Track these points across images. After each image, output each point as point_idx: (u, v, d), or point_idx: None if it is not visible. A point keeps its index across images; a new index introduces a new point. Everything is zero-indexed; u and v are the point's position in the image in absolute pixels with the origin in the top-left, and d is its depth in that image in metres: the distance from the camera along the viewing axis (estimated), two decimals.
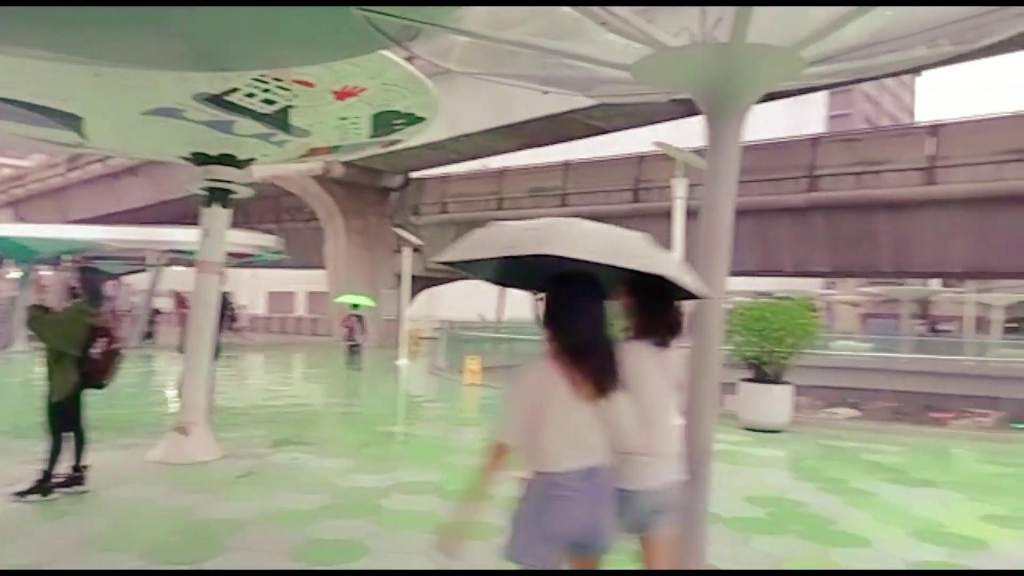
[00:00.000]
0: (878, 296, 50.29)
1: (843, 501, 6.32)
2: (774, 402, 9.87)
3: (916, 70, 24.80)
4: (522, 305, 44.51)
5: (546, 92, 6.71)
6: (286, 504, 5.66)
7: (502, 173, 28.51)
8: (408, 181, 30.51)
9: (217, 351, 8.23)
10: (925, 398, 23.08)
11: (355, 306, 18.71)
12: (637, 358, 2.68)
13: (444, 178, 30.22)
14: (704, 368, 3.64)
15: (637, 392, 2.61)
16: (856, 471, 7.67)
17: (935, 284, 53.19)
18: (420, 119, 7.15)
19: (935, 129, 20.05)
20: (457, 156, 26.94)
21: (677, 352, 2.90)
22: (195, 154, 7.41)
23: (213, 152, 7.35)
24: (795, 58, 3.27)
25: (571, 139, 24.19)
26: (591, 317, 2.58)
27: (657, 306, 2.78)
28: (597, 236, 2.51)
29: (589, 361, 2.53)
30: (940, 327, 52.08)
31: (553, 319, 2.60)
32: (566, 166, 26.74)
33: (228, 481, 6.37)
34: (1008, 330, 52.73)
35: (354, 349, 17.66)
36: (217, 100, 6.09)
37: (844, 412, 24.21)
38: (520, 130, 22.99)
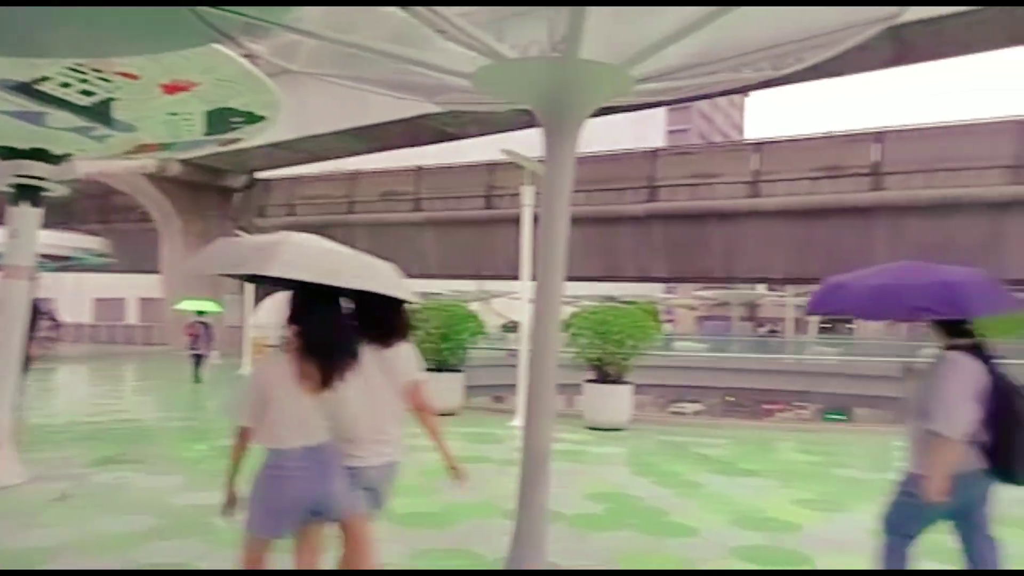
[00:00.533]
0: (712, 300, 54.01)
1: (675, 493, 6.71)
2: (616, 401, 10.33)
3: (743, 91, 26.80)
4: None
5: (399, 98, 6.67)
6: (107, 527, 5.23)
7: (354, 176, 27.97)
8: (254, 182, 29.21)
9: (26, 363, 7.47)
10: (754, 394, 25.10)
11: (200, 312, 17.60)
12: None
13: (293, 179, 29.21)
14: (541, 370, 3.74)
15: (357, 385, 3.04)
16: (688, 464, 8.18)
17: (761, 288, 57.89)
18: (260, 118, 6.85)
19: (759, 146, 21.87)
20: (307, 157, 26.13)
21: (403, 350, 3.29)
22: (1, 147, 6.70)
23: (22, 146, 6.67)
24: (625, 75, 3.45)
25: (425, 143, 24.16)
26: (325, 320, 2.95)
27: (378, 312, 3.16)
28: (316, 257, 2.85)
29: (317, 359, 2.88)
30: (771, 328, 56.58)
31: (293, 319, 2.96)
32: (419, 170, 26.67)
33: (38, 506, 5.79)
34: (822, 330, 58.28)
35: (198, 359, 16.61)
36: (25, 89, 5.53)
37: (691, 407, 25.84)
38: (373, 132, 22.67)
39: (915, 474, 3.39)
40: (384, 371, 3.20)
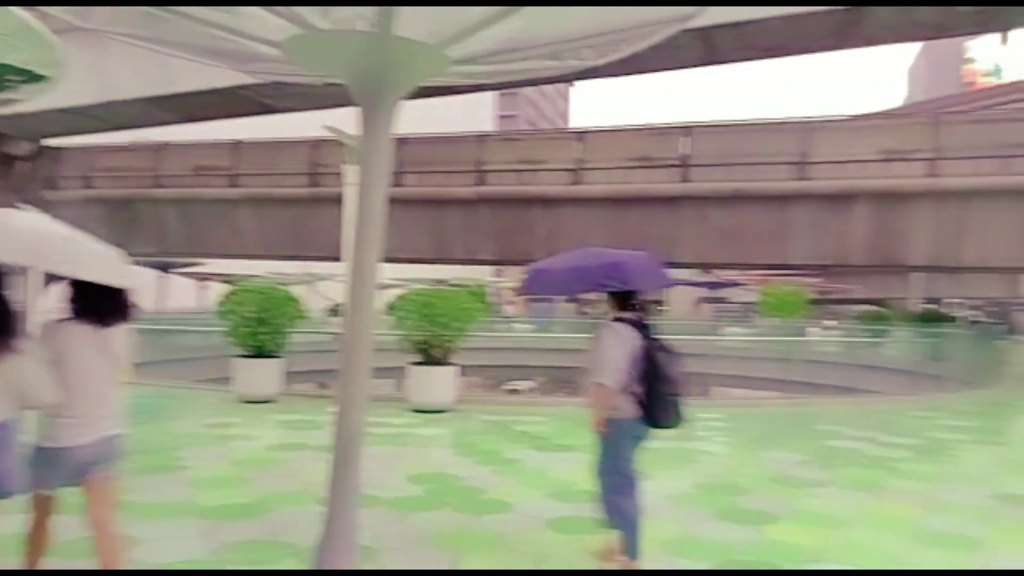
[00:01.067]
0: None
1: (494, 471, 6.88)
2: (441, 383, 10.39)
3: (566, 80, 27.71)
4: (190, 295, 40.73)
5: (207, 64, 6.19)
6: None
7: (162, 147, 25.83)
8: (42, 150, 26.15)
9: None
10: (578, 372, 26.28)
11: None
12: (71, 336, 3.27)
13: (90, 149, 26.47)
14: (355, 352, 3.66)
15: (68, 364, 3.19)
16: (509, 442, 8.41)
17: None
18: (41, 77, 6.11)
19: (582, 135, 22.76)
20: (106, 124, 23.80)
21: (119, 330, 3.42)
22: None
23: None
24: (440, 56, 3.43)
25: (241, 116, 22.81)
26: None
27: (94, 295, 3.29)
28: (24, 239, 2.84)
29: None
30: (581, 309, 59.40)
31: None
32: (237, 145, 25.13)
33: None
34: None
35: None
36: None
37: (524, 385, 26.55)
38: (182, 102, 21.05)
39: (606, 420, 4.21)
40: (100, 351, 3.34)
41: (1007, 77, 64.98)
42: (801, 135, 20.23)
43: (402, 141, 23.02)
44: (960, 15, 17.20)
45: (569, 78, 33.01)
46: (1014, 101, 37.34)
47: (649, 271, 4.32)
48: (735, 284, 49.68)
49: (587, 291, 4.41)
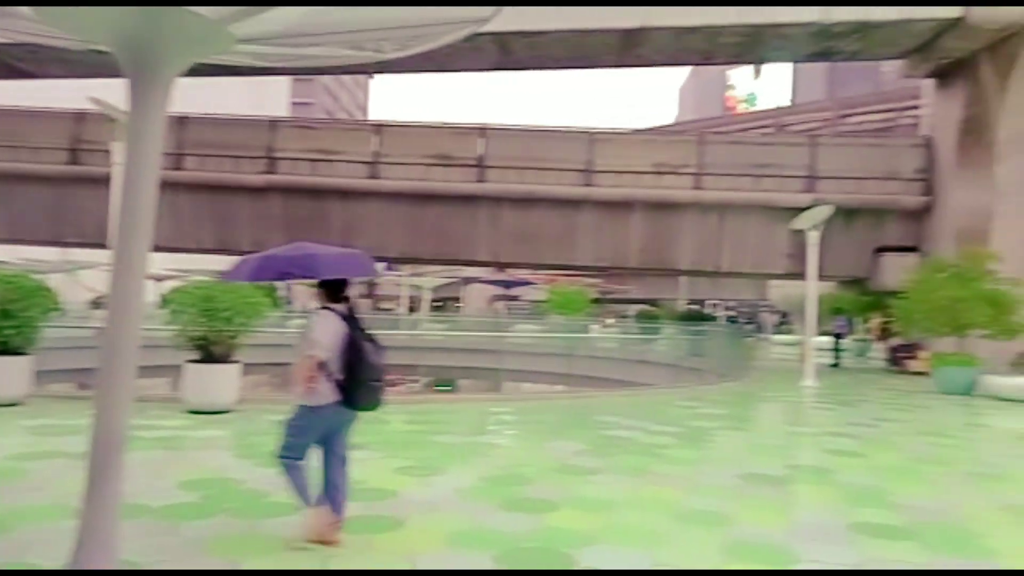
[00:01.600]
0: None
1: (279, 473, 6.56)
2: (221, 383, 9.76)
3: (367, 71, 27.25)
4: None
5: None
6: None
7: None
8: None
9: None
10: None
11: None
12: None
13: None
14: (118, 349, 3.32)
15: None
16: None
17: (379, 267, 59.96)
18: None
19: (380, 128, 22.50)
20: None
21: None
22: None
23: None
24: (223, 32, 3.20)
25: None
26: None
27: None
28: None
29: None
30: (379, 306, 58.93)
31: None
32: None
33: None
34: (434, 308, 62.63)
35: None
36: None
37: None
38: None
39: (299, 405, 4.59)
40: None
41: (760, 105, 73.92)
42: (586, 144, 21.54)
43: (182, 120, 21.33)
44: (722, 46, 19.29)
45: (369, 70, 32.48)
46: (764, 127, 42.56)
47: (345, 265, 4.72)
48: (527, 283, 51.86)
49: (274, 278, 4.76)
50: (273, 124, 22.31)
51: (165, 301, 11.13)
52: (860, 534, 5.22)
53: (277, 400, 12.28)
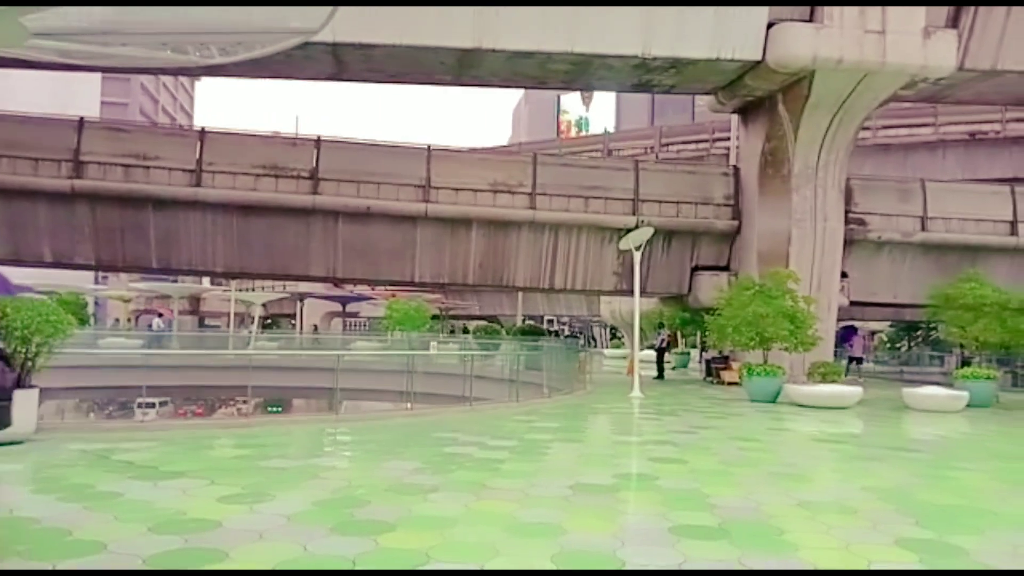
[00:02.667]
0: (151, 292, 50.39)
1: (85, 507, 5.98)
2: (15, 409, 8.70)
3: (191, 73, 25.61)
4: None
5: None
6: None
7: None
8: None
9: None
10: (195, 391, 24.19)
11: None
12: None
13: None
14: None
15: None
16: (104, 473, 7.39)
17: (206, 282, 56.51)
18: None
19: (203, 135, 21.23)
20: None
21: None
22: None
23: None
24: (14, 23, 2.89)
25: None
26: None
27: None
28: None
29: None
30: (210, 323, 55.48)
31: None
32: None
33: None
34: (265, 325, 59.80)
35: None
36: None
37: (156, 408, 23.45)
38: None
39: None
40: None
41: (592, 130, 77.75)
42: (424, 161, 21.58)
43: None
44: (553, 72, 20.13)
45: (195, 72, 30.71)
46: (593, 151, 44.80)
47: None
48: (365, 298, 50.88)
49: None
50: (80, 124, 20.32)
51: None
52: (680, 536, 5.57)
53: (83, 428, 11.19)
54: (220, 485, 6.95)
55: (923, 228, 23.38)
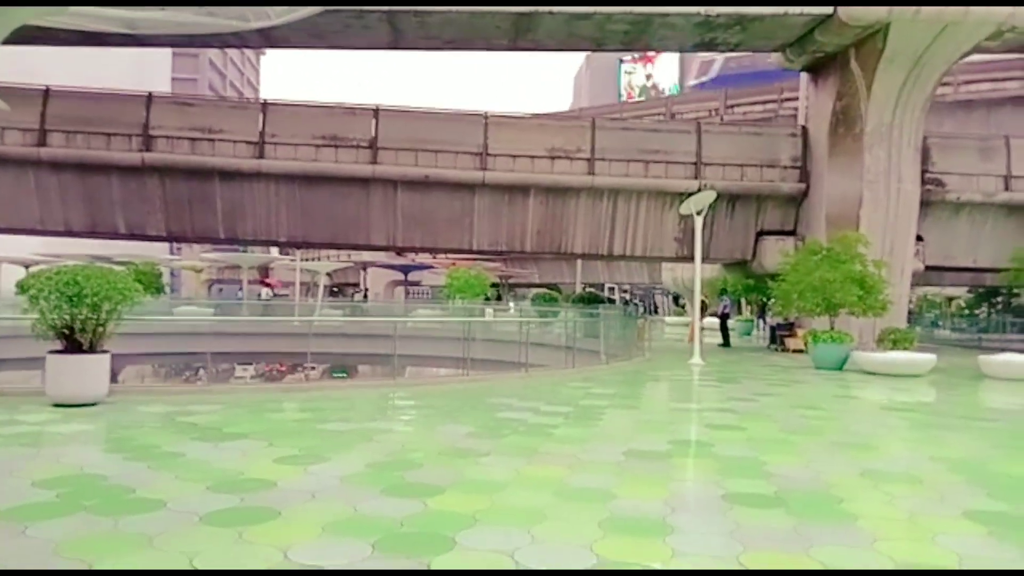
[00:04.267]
0: (221, 262, 52.08)
1: (149, 467, 6.21)
2: (88, 373, 9.12)
3: (249, 45, 25.91)
4: None
5: None
6: None
7: None
8: None
9: None
10: (269, 356, 24.97)
11: None
12: None
13: None
14: None
15: None
16: (170, 435, 7.67)
17: (274, 252, 58.04)
18: None
19: (266, 107, 21.57)
20: None
21: None
22: None
23: None
24: None
25: None
26: None
27: None
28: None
29: None
30: (276, 292, 57.02)
31: None
32: None
33: None
34: (332, 293, 61.17)
35: None
36: None
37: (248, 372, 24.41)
38: None
39: None
40: None
41: (653, 94, 75.95)
42: (481, 128, 21.44)
43: (45, 93, 19.77)
44: (612, 33, 19.61)
45: (253, 44, 31.19)
46: (655, 114, 43.77)
47: None
48: (426, 267, 51.41)
49: None
50: (149, 99, 20.90)
51: (22, 288, 10.27)
52: (733, 503, 5.43)
53: (153, 392, 11.65)
54: (278, 447, 7.13)
55: (1007, 188, 22.09)
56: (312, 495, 5.43)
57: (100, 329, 9.18)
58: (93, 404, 9.07)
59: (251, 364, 25.83)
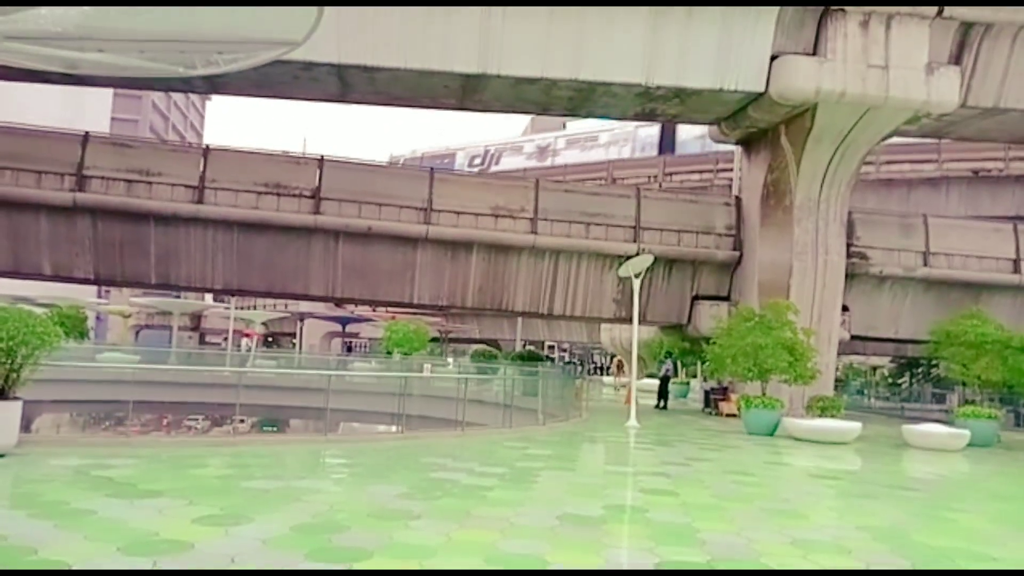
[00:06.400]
0: (151, 308, 50.32)
1: (55, 525, 5.83)
2: None
3: (195, 90, 25.66)
4: None
5: None
6: None
7: None
8: None
9: None
10: (190, 407, 23.98)
11: None
12: None
13: None
14: None
15: None
16: (81, 490, 7.24)
17: (209, 299, 56.43)
18: None
19: (207, 152, 21.27)
20: None
21: None
22: None
23: None
24: None
25: None
26: None
27: None
28: None
29: None
30: (210, 340, 55.25)
31: None
32: None
33: None
34: (267, 344, 59.59)
35: None
36: None
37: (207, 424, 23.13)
38: None
39: None
40: None
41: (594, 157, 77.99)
42: (427, 183, 21.57)
43: None
44: (557, 99, 20.21)
45: (201, 89, 30.95)
46: (597, 178, 44.87)
47: None
48: (366, 320, 50.73)
49: None
50: (85, 138, 20.32)
51: None
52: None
53: (67, 442, 11.04)
54: (198, 505, 6.80)
55: (925, 264, 23.26)
56: (231, 559, 5.17)
57: (14, 375, 8.70)
58: (0, 455, 8.52)
59: (175, 416, 24.79)
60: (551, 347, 64.20)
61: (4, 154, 19.40)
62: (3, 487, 7.45)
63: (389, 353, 33.89)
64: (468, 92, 19.82)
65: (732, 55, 18.76)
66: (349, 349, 58.75)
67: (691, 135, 47.21)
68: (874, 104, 18.79)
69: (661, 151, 50.05)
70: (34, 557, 4.96)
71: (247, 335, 47.64)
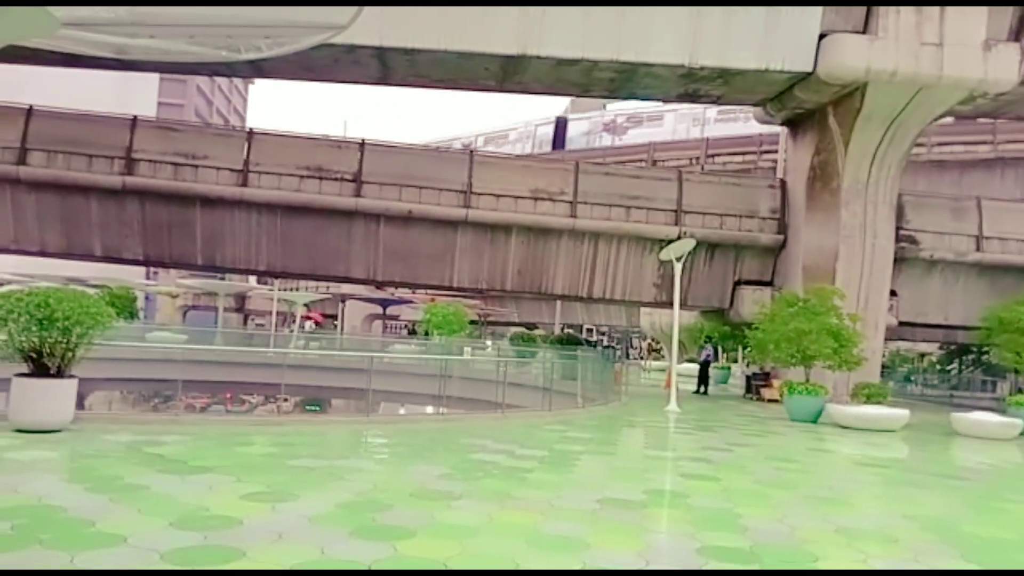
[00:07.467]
0: (197, 289, 51.47)
1: (111, 499, 6.03)
2: (53, 398, 8.89)
3: (238, 74, 25.95)
4: None
5: None
6: None
7: None
8: None
9: None
10: (237, 387, 24.55)
11: None
12: None
13: None
14: None
15: None
16: (134, 466, 7.47)
17: (253, 280, 57.48)
18: None
19: (251, 136, 21.56)
20: None
21: None
22: None
23: None
24: (42, 14, 2.89)
25: None
26: None
27: None
28: None
29: None
30: (258, 322, 56.29)
31: None
32: None
33: None
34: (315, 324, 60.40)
35: None
36: None
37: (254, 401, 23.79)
38: None
39: None
40: None
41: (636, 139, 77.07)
42: (467, 166, 21.57)
43: (28, 112, 19.66)
44: (598, 80, 19.96)
45: (245, 73, 31.31)
46: (637, 160, 44.34)
47: None
48: (405, 302, 51.16)
49: None
50: (134, 123, 20.79)
51: None
52: (708, 558, 5.36)
53: (120, 419, 11.38)
54: (246, 482, 6.95)
55: (978, 248, 22.55)
56: (279, 535, 5.28)
57: (69, 354, 8.97)
58: (57, 431, 8.82)
59: (223, 393, 25.39)
60: (590, 330, 63.97)
61: (57, 139, 19.93)
62: (61, 462, 7.72)
63: (427, 335, 34.12)
64: (508, 74, 19.71)
65: (779, 34, 18.31)
66: (384, 328, 59.30)
67: (579, 131, 52.78)
68: (927, 83, 18.19)
69: (555, 147, 52.05)
70: (92, 529, 5.13)
71: (308, 318, 48.26)
